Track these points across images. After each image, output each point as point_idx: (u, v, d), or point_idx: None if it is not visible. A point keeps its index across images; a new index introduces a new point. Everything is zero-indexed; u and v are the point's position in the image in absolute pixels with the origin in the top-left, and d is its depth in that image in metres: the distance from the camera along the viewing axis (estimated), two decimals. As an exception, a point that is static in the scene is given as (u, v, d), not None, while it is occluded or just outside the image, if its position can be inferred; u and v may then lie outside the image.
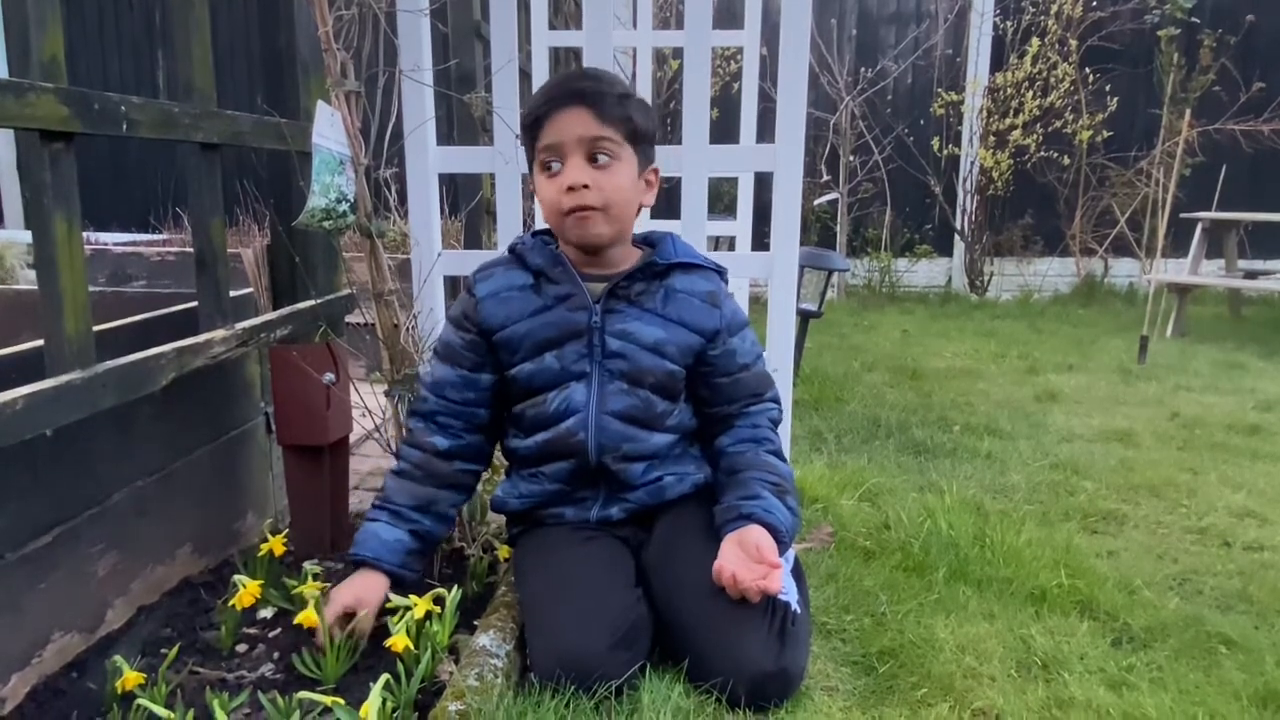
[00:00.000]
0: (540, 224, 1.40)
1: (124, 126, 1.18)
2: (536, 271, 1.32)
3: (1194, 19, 5.25)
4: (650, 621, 1.22)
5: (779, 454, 1.36)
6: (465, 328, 1.33)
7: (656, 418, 1.33)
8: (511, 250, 1.36)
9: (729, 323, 1.35)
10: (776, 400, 1.42)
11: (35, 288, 1.11)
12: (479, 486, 1.60)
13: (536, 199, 1.34)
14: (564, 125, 1.23)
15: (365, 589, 1.24)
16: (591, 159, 1.24)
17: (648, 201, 1.34)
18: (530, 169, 1.34)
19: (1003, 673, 1.23)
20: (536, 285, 1.31)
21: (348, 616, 1.22)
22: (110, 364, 1.16)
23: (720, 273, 1.39)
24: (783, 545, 1.22)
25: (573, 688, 1.11)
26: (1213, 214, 4.25)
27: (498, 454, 1.49)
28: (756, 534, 1.20)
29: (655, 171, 1.34)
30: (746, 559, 1.18)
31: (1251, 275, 4.64)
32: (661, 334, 1.30)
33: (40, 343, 1.12)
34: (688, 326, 1.32)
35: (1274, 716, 1.17)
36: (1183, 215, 4.54)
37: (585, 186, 1.23)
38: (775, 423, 1.40)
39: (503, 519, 1.55)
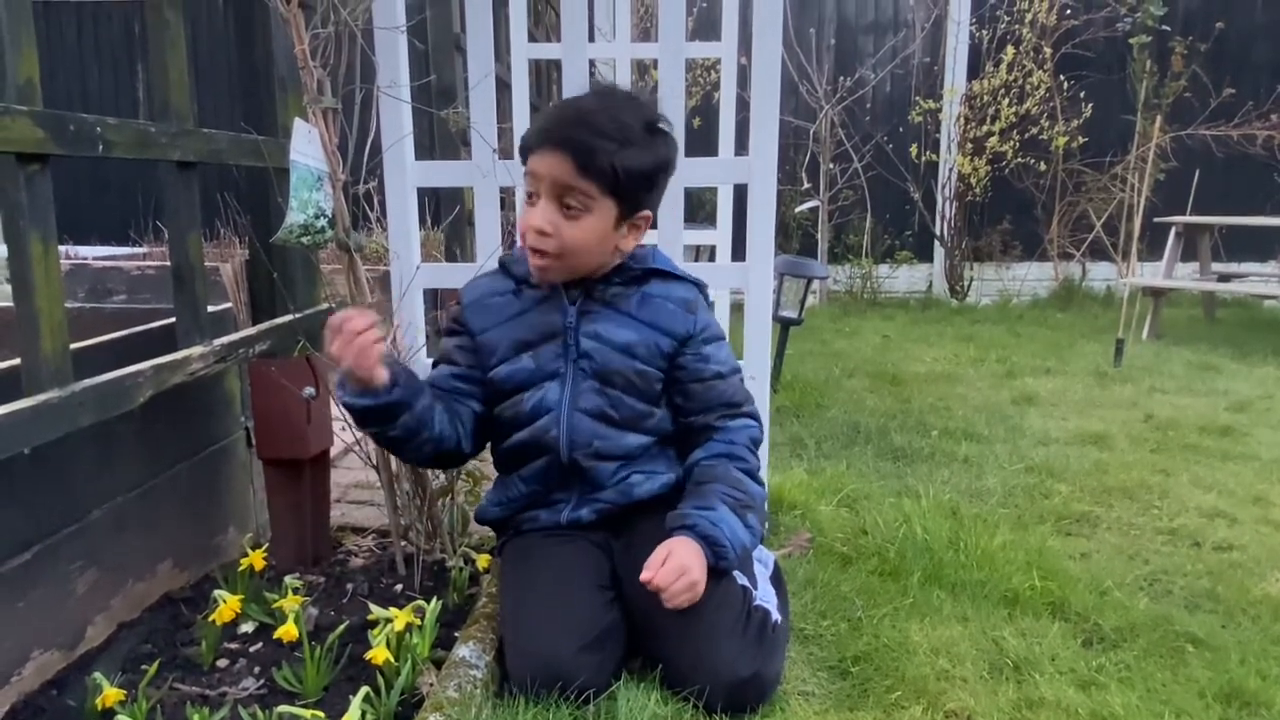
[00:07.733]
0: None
1: (100, 148, 1.18)
2: (519, 279, 1.37)
3: (1165, 26, 5.34)
4: (623, 625, 1.24)
5: (752, 473, 1.33)
6: (456, 331, 1.40)
7: (632, 419, 1.34)
8: (500, 262, 1.42)
9: (703, 330, 1.35)
10: (756, 418, 1.39)
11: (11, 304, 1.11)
12: (461, 498, 1.62)
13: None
14: (546, 165, 1.23)
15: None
16: (563, 205, 1.24)
17: (626, 247, 1.31)
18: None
19: (975, 674, 1.26)
20: (518, 291, 1.38)
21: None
22: (88, 382, 1.17)
23: (699, 286, 1.39)
24: (726, 561, 1.20)
25: (549, 696, 1.12)
26: (1186, 218, 4.31)
27: (475, 464, 1.51)
28: (687, 550, 1.18)
29: (646, 217, 1.31)
30: (669, 569, 1.15)
31: (1225, 278, 4.72)
32: (633, 336, 1.33)
33: (17, 361, 1.12)
34: (658, 329, 1.33)
35: (1238, 713, 1.20)
36: (1157, 220, 4.61)
37: (543, 233, 1.24)
38: (754, 442, 1.37)
39: (485, 531, 1.56)
